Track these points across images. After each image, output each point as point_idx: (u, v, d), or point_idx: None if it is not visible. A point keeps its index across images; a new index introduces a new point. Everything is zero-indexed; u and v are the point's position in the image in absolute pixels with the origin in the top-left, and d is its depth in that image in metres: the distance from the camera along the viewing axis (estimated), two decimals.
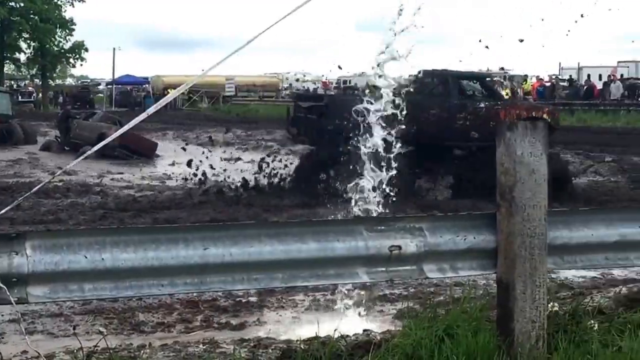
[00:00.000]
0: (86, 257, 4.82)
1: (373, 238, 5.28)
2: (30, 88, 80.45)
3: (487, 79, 24.09)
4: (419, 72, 22.95)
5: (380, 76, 9.31)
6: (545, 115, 18.97)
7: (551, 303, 5.86)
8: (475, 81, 21.93)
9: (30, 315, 8.19)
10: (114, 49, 76.55)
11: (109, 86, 78.67)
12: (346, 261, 5.28)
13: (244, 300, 8.91)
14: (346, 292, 8.13)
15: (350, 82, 79.01)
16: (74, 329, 7.79)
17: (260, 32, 5.70)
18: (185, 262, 4.97)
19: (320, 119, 19.61)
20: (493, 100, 20.00)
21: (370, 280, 5.65)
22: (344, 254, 5.24)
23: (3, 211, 5.22)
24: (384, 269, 5.34)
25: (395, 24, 8.99)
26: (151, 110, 5.59)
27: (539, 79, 54.08)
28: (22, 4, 69.09)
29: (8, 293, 4.62)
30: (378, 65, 9.29)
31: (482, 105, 19.48)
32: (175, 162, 28.09)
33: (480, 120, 18.73)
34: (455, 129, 18.97)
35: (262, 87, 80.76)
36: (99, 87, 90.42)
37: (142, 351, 6.59)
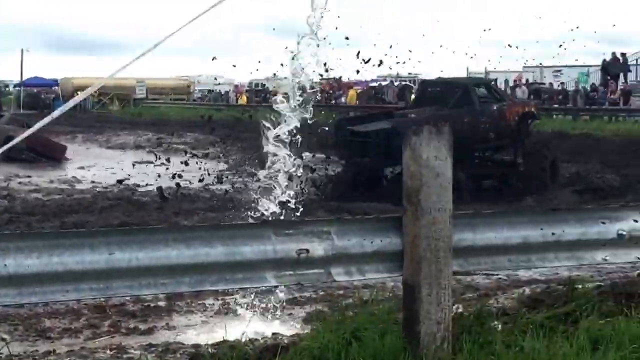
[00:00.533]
0: None
1: (281, 242, 5.30)
2: None
3: (492, 83, 27.72)
4: (421, 82, 26.67)
5: (295, 80, 9.30)
6: (533, 109, 23.12)
7: (456, 305, 5.96)
8: (482, 86, 24.05)
9: None
10: (22, 50, 75.19)
11: (17, 88, 77.18)
12: (254, 265, 5.29)
13: (152, 305, 8.84)
14: (256, 295, 8.13)
15: (262, 86, 78.98)
16: None
17: (168, 35, 5.69)
18: (91, 267, 4.92)
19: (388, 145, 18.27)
20: (500, 102, 22.11)
21: (279, 284, 5.69)
22: (252, 258, 5.25)
23: None
24: (292, 272, 5.37)
25: (309, 28, 9.01)
26: (56, 113, 5.55)
27: None
28: None
29: None
30: (294, 69, 9.28)
31: (495, 107, 21.44)
32: (85, 165, 27.78)
33: (497, 121, 20.97)
34: (481, 133, 20.60)
35: (173, 90, 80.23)
36: (6, 89, 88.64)
37: (47, 358, 6.50)
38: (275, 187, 8.75)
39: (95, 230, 6.80)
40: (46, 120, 5.38)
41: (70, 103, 5.78)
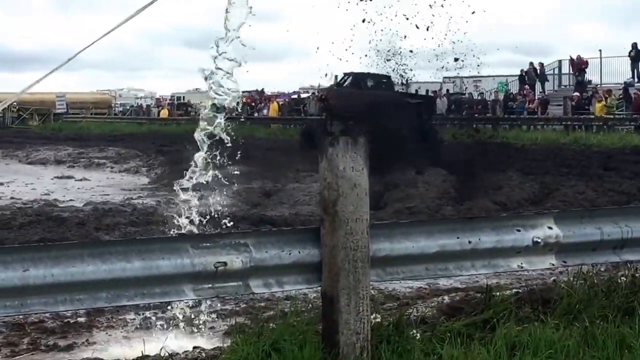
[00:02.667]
0: None
1: (199, 255, 5.29)
2: None
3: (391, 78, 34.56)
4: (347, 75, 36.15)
5: (216, 92, 9.26)
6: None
7: (374, 314, 6.01)
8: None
9: None
10: None
11: None
12: (172, 279, 5.27)
13: (72, 321, 8.71)
14: (178, 310, 8.08)
15: (183, 99, 78.74)
16: None
17: (82, 49, 5.64)
18: (5, 284, 4.85)
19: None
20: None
21: (197, 297, 5.67)
22: (169, 272, 5.23)
23: None
24: (210, 285, 5.36)
25: (223, 39, 8.98)
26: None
27: None
28: None
29: None
30: (212, 82, 9.24)
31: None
32: (4, 181, 27.30)
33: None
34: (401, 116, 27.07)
35: (94, 104, 79.47)
36: None
37: None
38: (196, 201, 8.72)
39: (8, 247, 6.67)
40: None
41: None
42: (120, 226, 16.09)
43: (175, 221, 8.94)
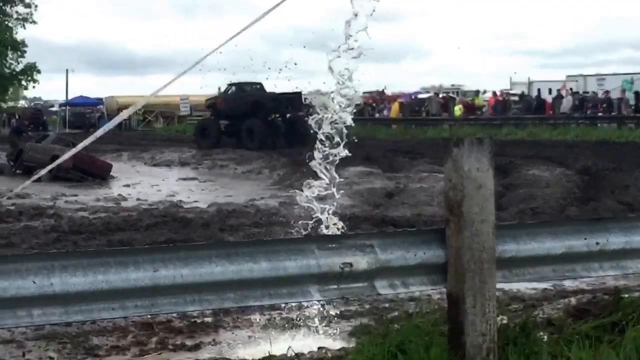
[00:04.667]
0: (34, 282, 4.78)
1: (324, 256, 5.31)
2: None
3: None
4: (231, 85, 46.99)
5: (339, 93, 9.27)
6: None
7: (501, 316, 5.93)
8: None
9: None
10: (67, 70, 76.21)
11: (62, 108, 78.08)
12: (298, 280, 5.30)
13: (199, 321, 8.88)
14: (302, 310, 8.14)
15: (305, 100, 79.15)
16: (23, 355, 7.73)
17: (208, 53, 5.73)
18: (136, 284, 4.96)
19: None
20: None
21: (323, 298, 5.69)
22: (296, 273, 5.26)
23: None
24: (336, 286, 5.38)
25: (345, 41, 9.00)
26: (100, 132, 5.60)
27: (495, 95, 54.53)
28: None
29: None
30: (336, 83, 9.26)
31: None
32: (131, 183, 28.00)
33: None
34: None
35: None
36: (52, 108, 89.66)
37: None
38: (319, 202, 8.75)
39: (139, 248, 6.85)
40: (90, 139, 5.44)
41: (114, 121, 5.84)
42: (244, 227, 16.32)
43: (299, 222, 9.02)
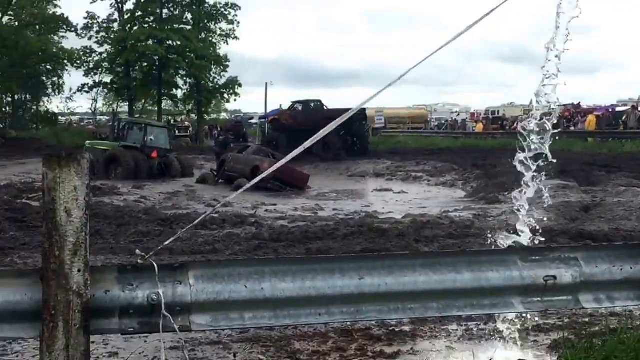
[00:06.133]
0: (246, 287, 4.97)
1: (528, 268, 5.29)
2: (186, 123, 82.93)
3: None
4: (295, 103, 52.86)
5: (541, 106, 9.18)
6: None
7: None
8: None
9: (190, 343, 8.46)
10: (266, 83, 78.37)
11: (262, 120, 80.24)
12: (501, 291, 5.30)
13: (397, 329, 8.96)
14: (499, 322, 8.10)
15: (498, 113, 78.46)
16: (234, 356, 8.02)
17: (412, 67, 5.82)
18: (342, 291, 5.08)
19: None
20: None
21: (526, 311, 5.66)
22: (498, 284, 5.26)
23: (167, 242, 5.48)
24: (539, 299, 5.34)
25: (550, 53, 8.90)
26: (307, 143, 5.76)
27: None
28: (178, 43, 71.50)
29: (172, 321, 4.80)
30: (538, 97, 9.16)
31: None
32: (327, 193, 28.49)
33: None
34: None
35: (410, 119, 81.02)
36: (251, 121, 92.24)
37: None
38: (516, 213, 8.69)
39: (345, 255, 6.99)
40: (298, 150, 5.62)
41: (320, 134, 6.00)
42: (439, 238, 16.33)
43: (495, 233, 8.97)
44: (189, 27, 73.96)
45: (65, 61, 74.89)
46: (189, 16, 75.26)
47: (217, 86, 76.31)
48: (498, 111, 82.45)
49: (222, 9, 75.39)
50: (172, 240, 5.62)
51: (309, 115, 48.62)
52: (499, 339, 7.96)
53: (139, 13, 74.25)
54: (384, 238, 16.47)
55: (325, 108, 51.26)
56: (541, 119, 8.82)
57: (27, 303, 4.62)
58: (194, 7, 74.51)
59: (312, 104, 52.19)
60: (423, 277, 5.17)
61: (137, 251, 4.99)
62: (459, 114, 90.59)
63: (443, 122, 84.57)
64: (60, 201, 4.44)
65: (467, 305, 5.30)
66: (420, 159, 42.30)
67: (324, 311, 5.13)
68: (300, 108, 51.95)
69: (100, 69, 76.25)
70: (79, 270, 4.49)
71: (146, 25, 73.15)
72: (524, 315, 7.64)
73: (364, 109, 47.59)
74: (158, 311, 4.75)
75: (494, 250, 6.37)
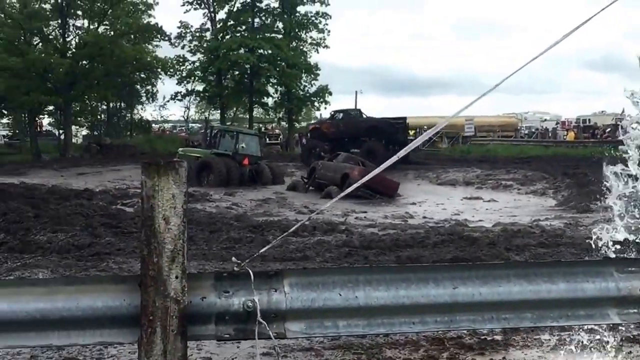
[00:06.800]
0: (340, 295, 5.02)
1: (624, 279, 5.24)
2: (277, 131, 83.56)
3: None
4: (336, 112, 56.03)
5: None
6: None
7: None
8: None
9: (283, 349, 8.57)
10: (356, 92, 78.50)
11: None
12: (596, 302, 5.26)
13: (489, 339, 8.94)
14: (592, 332, 8.02)
15: (589, 121, 77.25)
16: None
17: (511, 73, 5.82)
18: (435, 300, 5.09)
19: None
20: None
21: (622, 322, 5.60)
22: (594, 295, 5.22)
23: (262, 250, 5.59)
24: (635, 310, 5.28)
25: None
26: (402, 152, 5.80)
27: None
28: (270, 52, 72.11)
29: (268, 328, 4.85)
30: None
31: None
32: (417, 201, 28.44)
33: None
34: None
35: (500, 127, 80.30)
36: None
37: None
38: (608, 224, 8.59)
39: (439, 265, 7.02)
40: (392, 159, 5.67)
41: (416, 142, 6.05)
42: (530, 247, 16.20)
43: (588, 243, 8.88)
44: (280, 36, 74.54)
45: (159, 70, 76.15)
46: (280, 25, 75.88)
47: (308, 94, 76.74)
48: (589, 120, 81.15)
49: (313, 18, 75.83)
50: (267, 248, 5.73)
51: (349, 124, 51.33)
52: (592, 349, 7.89)
53: (231, 22, 75.09)
54: (475, 246, 16.39)
55: (364, 117, 53.89)
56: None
57: (126, 308, 4.73)
58: (285, 16, 75.09)
59: (352, 113, 55.19)
60: (517, 287, 5.16)
61: (233, 258, 5.08)
62: (546, 121, 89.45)
63: (533, 130, 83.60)
64: (159, 209, 4.52)
65: (562, 316, 5.27)
66: (511, 167, 41.93)
67: (418, 320, 5.15)
68: (340, 117, 54.01)
69: (192, 78, 77.35)
70: (176, 277, 4.58)
71: (238, 34, 73.93)
72: (615, 326, 7.55)
73: (405, 118, 51.21)
74: (253, 318, 4.82)
75: (589, 260, 6.31)
